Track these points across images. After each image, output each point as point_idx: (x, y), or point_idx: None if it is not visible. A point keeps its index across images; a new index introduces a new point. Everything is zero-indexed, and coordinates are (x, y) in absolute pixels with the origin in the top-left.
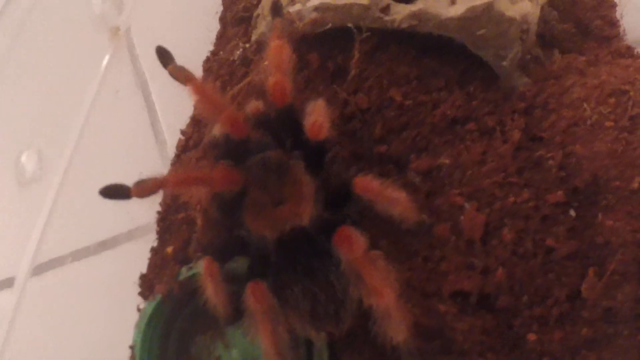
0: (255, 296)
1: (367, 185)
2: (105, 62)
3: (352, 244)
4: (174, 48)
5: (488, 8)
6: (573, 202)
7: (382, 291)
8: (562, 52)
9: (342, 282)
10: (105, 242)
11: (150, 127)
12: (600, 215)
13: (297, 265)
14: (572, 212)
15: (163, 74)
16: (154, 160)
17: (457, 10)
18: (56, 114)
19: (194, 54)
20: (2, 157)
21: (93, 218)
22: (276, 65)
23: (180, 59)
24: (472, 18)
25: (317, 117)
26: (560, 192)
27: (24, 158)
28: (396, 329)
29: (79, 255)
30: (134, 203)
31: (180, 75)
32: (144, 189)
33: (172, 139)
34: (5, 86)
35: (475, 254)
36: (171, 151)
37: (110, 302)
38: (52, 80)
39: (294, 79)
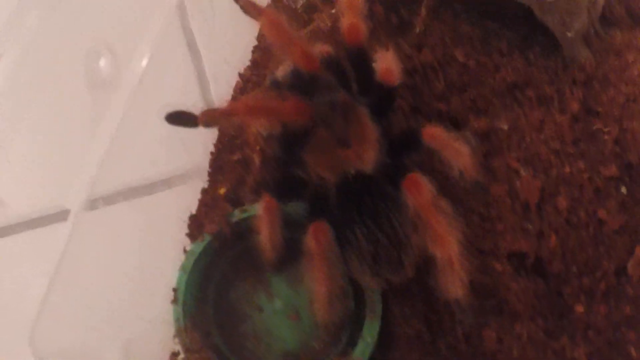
0: (317, 237)
1: (437, 134)
2: None
3: (421, 189)
4: None
5: None
6: (625, 177)
7: (447, 240)
8: (623, 32)
9: (406, 229)
10: (158, 182)
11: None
12: None
13: (360, 208)
14: (624, 189)
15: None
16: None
17: None
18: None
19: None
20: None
21: (148, 157)
22: (350, 8)
23: None
24: None
25: (389, 64)
26: (614, 167)
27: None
28: (456, 282)
29: (131, 194)
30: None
31: (252, 9)
32: (212, 117)
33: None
34: None
35: (530, 218)
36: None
37: (157, 242)
38: None
39: None
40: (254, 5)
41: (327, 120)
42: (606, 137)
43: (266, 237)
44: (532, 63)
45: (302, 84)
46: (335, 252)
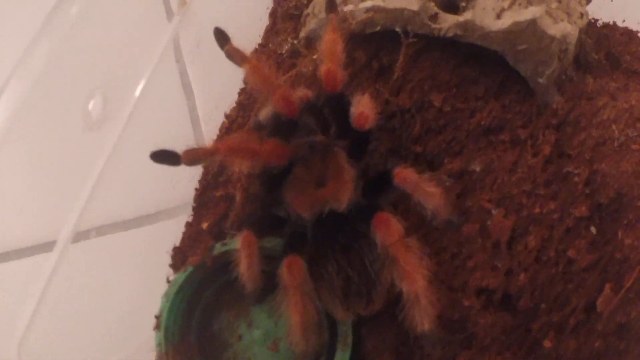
0: (291, 270)
1: (407, 176)
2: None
3: (390, 228)
4: None
5: (532, 24)
6: (595, 217)
7: (414, 276)
8: (595, 78)
9: (376, 265)
10: (144, 217)
11: (187, 110)
12: (620, 233)
13: (333, 245)
14: (593, 229)
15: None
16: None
17: (502, 24)
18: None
19: (242, 45)
20: None
21: (136, 192)
22: (329, 55)
23: None
24: (515, 32)
25: (364, 108)
26: (584, 207)
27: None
28: (423, 316)
29: (118, 227)
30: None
31: (237, 55)
32: (195, 155)
33: (207, 126)
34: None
35: (501, 256)
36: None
37: (140, 274)
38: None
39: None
40: (239, 52)
41: (306, 161)
42: (577, 179)
43: (245, 269)
44: (507, 108)
45: (282, 127)
46: (309, 285)
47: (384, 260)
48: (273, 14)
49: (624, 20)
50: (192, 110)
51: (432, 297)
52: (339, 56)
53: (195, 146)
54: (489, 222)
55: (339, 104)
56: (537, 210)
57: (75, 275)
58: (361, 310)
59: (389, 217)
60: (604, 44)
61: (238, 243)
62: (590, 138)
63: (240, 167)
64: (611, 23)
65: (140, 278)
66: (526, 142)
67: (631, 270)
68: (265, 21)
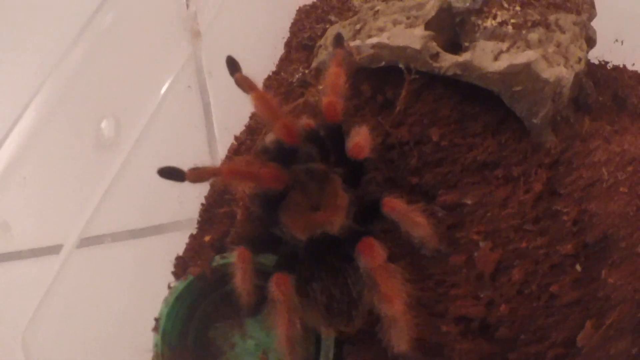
0: (279, 286)
1: (395, 205)
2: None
3: (373, 253)
4: (240, 62)
5: (527, 67)
6: (581, 255)
7: (393, 299)
8: (593, 119)
9: (358, 286)
10: (152, 227)
11: (205, 129)
12: (604, 272)
13: (321, 265)
14: (578, 267)
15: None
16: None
17: (499, 66)
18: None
19: (257, 71)
20: None
21: (144, 204)
22: (332, 88)
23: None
24: (511, 74)
25: (359, 139)
26: (570, 245)
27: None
28: (399, 338)
29: (124, 235)
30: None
31: (245, 84)
32: (198, 174)
33: (223, 146)
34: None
35: (484, 287)
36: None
37: (146, 279)
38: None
39: (346, 104)
40: (247, 81)
41: (303, 186)
42: (565, 217)
43: (239, 282)
44: (504, 146)
45: (283, 153)
46: (295, 301)
47: (367, 283)
48: (288, 44)
49: (633, 64)
50: (210, 131)
51: (410, 320)
52: (341, 89)
53: (200, 166)
54: (475, 254)
55: (338, 133)
56: (524, 244)
57: (84, 276)
58: (342, 328)
59: (373, 243)
60: (611, 85)
61: (234, 257)
62: (581, 178)
63: (243, 187)
64: (621, 66)
65: (145, 283)
66: (519, 179)
67: (613, 308)
68: (280, 50)
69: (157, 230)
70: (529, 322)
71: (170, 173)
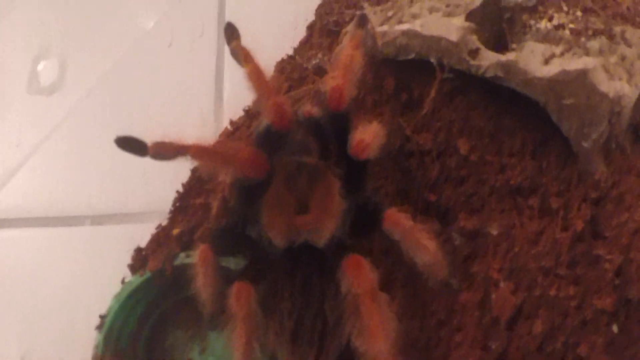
0: (238, 299)
1: (398, 220)
2: None
3: (360, 274)
4: (256, 41)
5: (582, 75)
6: (620, 314)
7: (376, 336)
8: None
9: (336, 313)
10: (119, 214)
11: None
12: None
13: (294, 280)
14: (615, 327)
15: None
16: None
17: (549, 71)
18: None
19: (270, 53)
20: None
21: (119, 189)
22: (344, 70)
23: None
24: (562, 82)
25: (365, 135)
26: (609, 300)
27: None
28: None
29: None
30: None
31: (241, 54)
32: (163, 149)
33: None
34: None
35: (497, 336)
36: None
37: (99, 269)
38: None
39: (362, 99)
40: (244, 51)
41: (291, 180)
42: (607, 265)
43: (200, 286)
44: (544, 171)
45: (272, 139)
46: (257, 318)
47: (347, 310)
48: (311, 27)
49: None
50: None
51: None
52: (353, 74)
53: (166, 140)
54: (493, 295)
55: (341, 126)
56: (552, 292)
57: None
58: None
59: (361, 262)
60: None
61: (195, 257)
62: (632, 221)
63: (224, 175)
64: None
65: (96, 274)
66: (557, 213)
67: None
68: (301, 32)
69: (123, 217)
70: None
71: (129, 144)
